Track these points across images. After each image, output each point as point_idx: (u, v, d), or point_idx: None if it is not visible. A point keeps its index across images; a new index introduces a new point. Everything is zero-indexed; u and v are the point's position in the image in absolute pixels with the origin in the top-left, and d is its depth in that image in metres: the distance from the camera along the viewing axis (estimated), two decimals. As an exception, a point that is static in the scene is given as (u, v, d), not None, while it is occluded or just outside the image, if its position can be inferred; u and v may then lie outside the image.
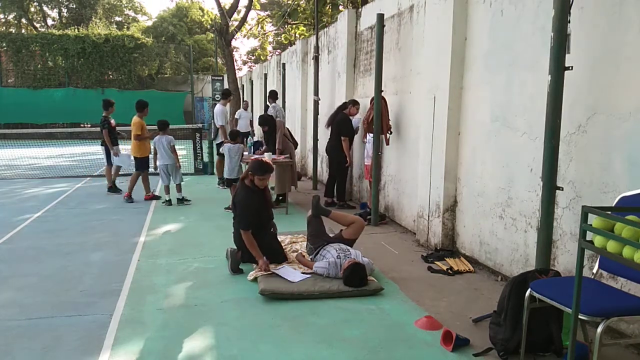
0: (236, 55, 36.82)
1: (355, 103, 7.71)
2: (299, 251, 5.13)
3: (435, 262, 5.13)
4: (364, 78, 8.04)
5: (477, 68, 4.97)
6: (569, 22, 3.35)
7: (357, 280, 4.25)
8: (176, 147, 8.28)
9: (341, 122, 7.65)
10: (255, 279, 4.48)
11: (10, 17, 32.04)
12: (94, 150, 18.58)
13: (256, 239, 4.74)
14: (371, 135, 6.91)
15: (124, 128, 9.94)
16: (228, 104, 10.71)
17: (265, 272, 4.51)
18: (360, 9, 8.34)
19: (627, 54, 3.27)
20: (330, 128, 7.85)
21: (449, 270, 4.85)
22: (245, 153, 8.32)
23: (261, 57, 33.70)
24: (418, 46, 6.15)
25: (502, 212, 4.60)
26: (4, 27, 31.41)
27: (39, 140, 20.73)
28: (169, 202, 8.19)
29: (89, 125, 26.68)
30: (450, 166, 5.34)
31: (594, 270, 3.04)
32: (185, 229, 6.72)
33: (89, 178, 11.36)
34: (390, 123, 6.88)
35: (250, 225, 4.75)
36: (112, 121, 9.30)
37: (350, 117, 7.69)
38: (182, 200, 8.25)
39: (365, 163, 7.43)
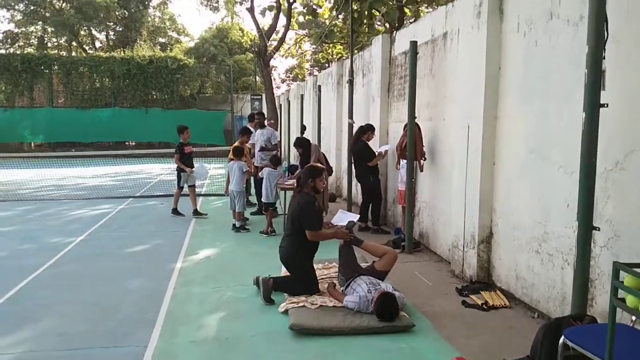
0: (274, 73, 37.50)
1: (371, 128, 8.03)
2: (331, 281, 5.14)
3: (470, 296, 5.02)
4: (398, 102, 8.03)
5: (511, 98, 4.89)
6: (604, 58, 3.26)
7: (387, 311, 4.21)
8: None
9: (360, 150, 7.87)
10: (286, 311, 4.50)
11: (62, 40, 33.77)
12: (138, 170, 19.26)
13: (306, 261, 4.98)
14: (405, 161, 6.88)
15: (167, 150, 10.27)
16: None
17: (296, 305, 4.53)
18: (394, 34, 8.37)
19: (667, 91, 3.16)
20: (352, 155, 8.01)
21: (484, 305, 4.74)
22: (282, 177, 8.42)
23: (299, 75, 34.15)
24: (452, 73, 6.10)
25: (539, 247, 4.47)
26: (56, 51, 33.12)
27: (87, 158, 21.64)
28: (235, 227, 8.23)
29: (133, 144, 27.76)
30: (485, 197, 5.24)
31: (633, 317, 2.91)
32: (220, 254, 6.84)
33: (131, 199, 11.73)
34: (424, 149, 6.83)
35: (318, 224, 4.93)
36: (188, 148, 9.34)
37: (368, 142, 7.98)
38: (239, 228, 8.19)
39: (399, 188, 7.39)
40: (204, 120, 25.76)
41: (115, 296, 5.12)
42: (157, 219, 9.30)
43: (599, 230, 3.43)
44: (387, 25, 15.03)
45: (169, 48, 34.08)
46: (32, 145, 27.55)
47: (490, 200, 5.25)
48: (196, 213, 9.32)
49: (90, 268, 6.16)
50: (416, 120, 6.61)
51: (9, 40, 34.71)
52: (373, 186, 7.89)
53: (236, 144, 8.85)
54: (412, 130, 6.57)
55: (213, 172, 9.46)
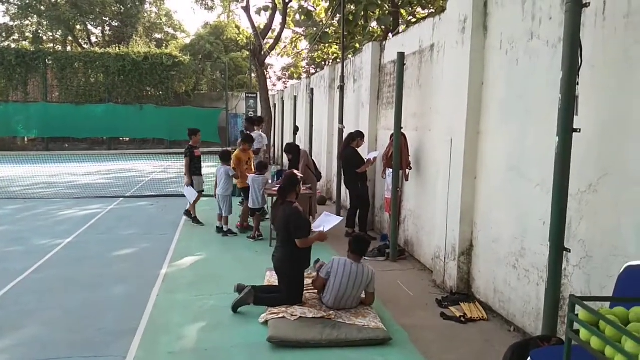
0: (270, 71, 37.48)
1: (361, 135, 8.08)
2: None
3: (450, 307, 5.08)
4: (387, 110, 8.08)
5: (493, 114, 4.96)
6: (578, 84, 3.32)
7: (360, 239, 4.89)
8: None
9: (349, 157, 7.96)
10: (266, 322, 4.56)
11: (58, 35, 33.61)
12: (130, 167, 19.24)
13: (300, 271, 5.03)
14: (391, 170, 6.94)
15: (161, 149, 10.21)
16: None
17: (276, 316, 4.59)
18: (384, 43, 8.42)
19: (637, 117, 3.22)
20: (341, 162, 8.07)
21: (462, 318, 4.81)
22: (270, 181, 8.46)
23: (295, 74, 34.13)
24: (438, 85, 6.16)
25: (516, 262, 4.54)
26: (51, 45, 32.97)
27: (81, 153, 21.59)
28: (219, 229, 8.32)
29: (127, 140, 27.73)
30: (466, 210, 5.31)
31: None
32: (206, 260, 6.88)
33: (121, 199, 11.74)
34: (410, 159, 6.90)
35: (306, 231, 4.97)
36: (197, 151, 9.08)
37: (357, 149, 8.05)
38: (226, 232, 8.25)
39: (386, 196, 7.46)
40: (199, 117, 25.71)
41: (98, 303, 5.16)
42: (146, 221, 9.33)
43: (569, 252, 3.50)
44: (382, 28, 15.06)
45: (164, 44, 34.00)
46: (26, 139, 27.47)
47: (471, 213, 5.31)
48: (195, 220, 9.08)
49: (76, 273, 6.19)
50: (403, 130, 6.67)
51: (3, 34, 34.51)
52: (361, 193, 7.97)
53: (237, 151, 8.60)
54: (398, 140, 6.64)
55: (206, 170, 9.45)
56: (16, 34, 34.71)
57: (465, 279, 5.40)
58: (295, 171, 5.69)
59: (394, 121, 6.60)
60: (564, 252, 3.49)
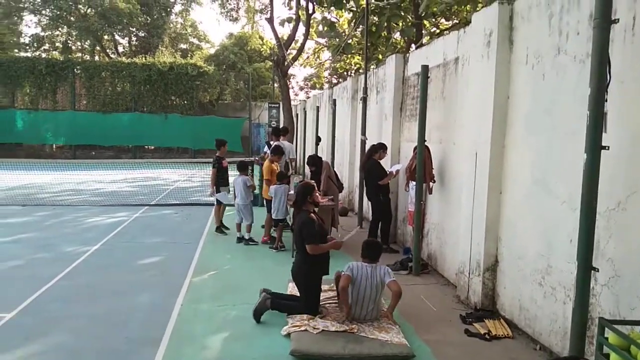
0: (293, 81, 37.74)
1: (383, 147, 8.04)
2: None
3: (474, 324, 5.02)
4: (410, 122, 8.07)
5: (519, 128, 4.91)
6: (606, 100, 3.28)
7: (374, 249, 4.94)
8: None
9: (371, 169, 7.94)
10: (288, 335, 4.57)
11: (86, 44, 34.51)
12: (155, 175, 19.54)
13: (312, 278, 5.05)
14: (414, 183, 6.91)
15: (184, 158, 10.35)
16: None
17: (299, 329, 4.60)
18: (407, 55, 8.42)
19: (669, 135, 3.16)
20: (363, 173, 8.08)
21: (487, 335, 4.74)
22: (291, 192, 8.47)
23: (317, 84, 34.30)
24: (462, 98, 6.14)
25: (542, 279, 4.47)
26: (80, 55, 33.85)
27: (107, 161, 22.06)
28: (239, 240, 8.42)
29: (152, 148, 28.22)
30: (491, 225, 5.25)
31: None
32: (229, 269, 6.94)
33: (146, 207, 11.93)
34: (434, 172, 6.86)
35: (317, 237, 5.00)
36: (225, 162, 9.19)
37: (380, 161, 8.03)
38: (248, 241, 8.36)
39: (409, 209, 7.43)
40: (223, 126, 26.05)
41: (124, 311, 5.25)
42: (170, 230, 9.46)
43: (597, 271, 3.43)
44: (405, 39, 15.06)
45: (189, 54, 34.57)
46: (54, 147, 28.17)
47: (496, 229, 5.26)
48: (218, 229, 9.15)
49: (102, 280, 6.31)
50: (426, 143, 6.65)
51: (35, 44, 35.58)
52: (383, 205, 7.94)
53: (268, 163, 8.56)
54: (422, 152, 6.61)
55: (230, 180, 9.55)
56: (47, 44, 35.74)
57: (490, 295, 5.33)
58: (312, 182, 5.80)
59: (418, 134, 6.59)
60: (592, 271, 3.42)
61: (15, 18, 31.72)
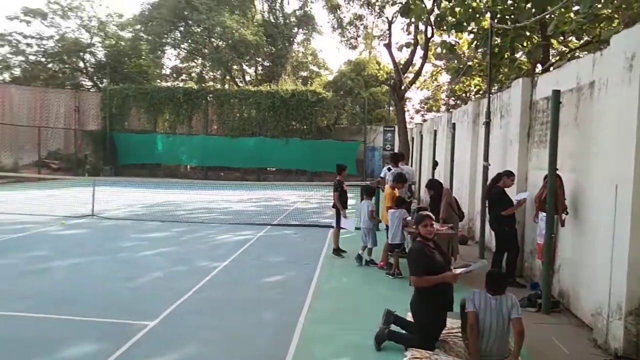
0: (408, 104, 37.60)
1: (509, 175, 7.65)
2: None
3: (613, 372, 4.58)
4: (539, 149, 7.65)
5: (669, 159, 4.45)
6: None
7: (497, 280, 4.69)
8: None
9: (495, 197, 7.62)
10: (409, 366, 4.54)
11: (217, 74, 37.70)
12: (276, 196, 20.55)
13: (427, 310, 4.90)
14: (544, 214, 6.52)
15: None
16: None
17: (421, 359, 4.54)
18: (536, 78, 8.04)
19: None
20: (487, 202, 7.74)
21: (629, 386, 4.30)
22: (408, 218, 8.41)
23: (433, 107, 33.83)
24: (598, 125, 5.71)
25: (700, 330, 3.96)
26: (212, 83, 37.06)
27: (233, 183, 23.74)
28: (359, 258, 8.63)
29: (274, 170, 29.83)
30: (634, 263, 4.77)
31: None
32: (347, 292, 7.09)
33: (269, 227, 12.59)
34: (566, 203, 6.42)
35: (420, 269, 4.87)
36: (345, 185, 9.42)
37: (506, 190, 7.65)
38: (368, 263, 8.54)
39: (538, 241, 7.00)
40: (339, 150, 26.80)
41: (251, 327, 5.59)
42: (291, 250, 9.89)
43: None
44: (532, 62, 14.34)
45: (309, 82, 36.14)
46: (188, 167, 30.98)
47: (641, 269, 4.77)
48: (336, 252, 9.31)
49: (231, 295, 6.79)
50: (558, 171, 6.26)
51: (174, 75, 39.70)
52: (508, 236, 7.56)
53: (387, 189, 8.63)
54: (553, 181, 6.23)
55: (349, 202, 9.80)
56: (184, 75, 39.70)
57: (633, 341, 4.82)
58: (427, 212, 5.57)
59: (549, 162, 6.23)
60: None
61: (159, 52, 35.69)
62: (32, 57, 33.74)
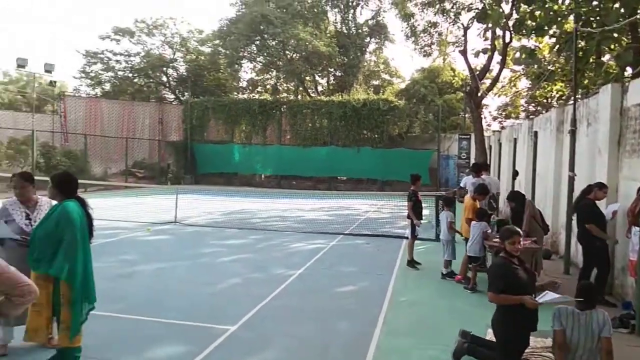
0: (485, 111, 36.42)
1: (602, 186, 7.17)
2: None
3: None
4: (631, 159, 7.14)
5: None
6: None
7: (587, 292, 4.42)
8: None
9: (583, 209, 7.19)
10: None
11: (291, 85, 38.61)
12: (347, 205, 20.62)
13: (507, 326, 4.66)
14: (638, 228, 6.07)
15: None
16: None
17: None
18: (627, 83, 7.53)
19: None
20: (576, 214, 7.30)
21: None
22: (489, 231, 8.12)
23: (512, 114, 32.53)
24: None
25: None
26: (285, 94, 37.99)
27: (306, 192, 24.12)
28: (443, 276, 8.42)
29: (345, 179, 29.95)
30: None
31: None
32: (422, 305, 6.96)
33: (341, 236, 12.65)
34: (664, 217, 5.95)
35: (497, 286, 4.59)
36: (419, 195, 9.30)
37: (597, 202, 7.16)
38: (444, 275, 8.39)
39: (630, 257, 6.52)
40: (411, 159, 26.44)
41: (326, 335, 5.64)
42: (363, 260, 9.87)
43: None
44: (620, 66, 13.43)
45: (381, 90, 36.03)
46: (263, 176, 31.88)
47: None
48: (410, 263, 9.15)
49: (306, 303, 6.89)
50: (654, 183, 5.82)
51: (250, 87, 41.09)
52: (598, 251, 7.09)
53: (468, 200, 8.40)
54: (649, 194, 5.80)
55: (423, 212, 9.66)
56: (259, 87, 41.00)
57: None
58: (514, 227, 5.26)
59: (643, 173, 5.81)
60: None
61: (236, 66, 37.14)
62: (120, 73, 36.41)
